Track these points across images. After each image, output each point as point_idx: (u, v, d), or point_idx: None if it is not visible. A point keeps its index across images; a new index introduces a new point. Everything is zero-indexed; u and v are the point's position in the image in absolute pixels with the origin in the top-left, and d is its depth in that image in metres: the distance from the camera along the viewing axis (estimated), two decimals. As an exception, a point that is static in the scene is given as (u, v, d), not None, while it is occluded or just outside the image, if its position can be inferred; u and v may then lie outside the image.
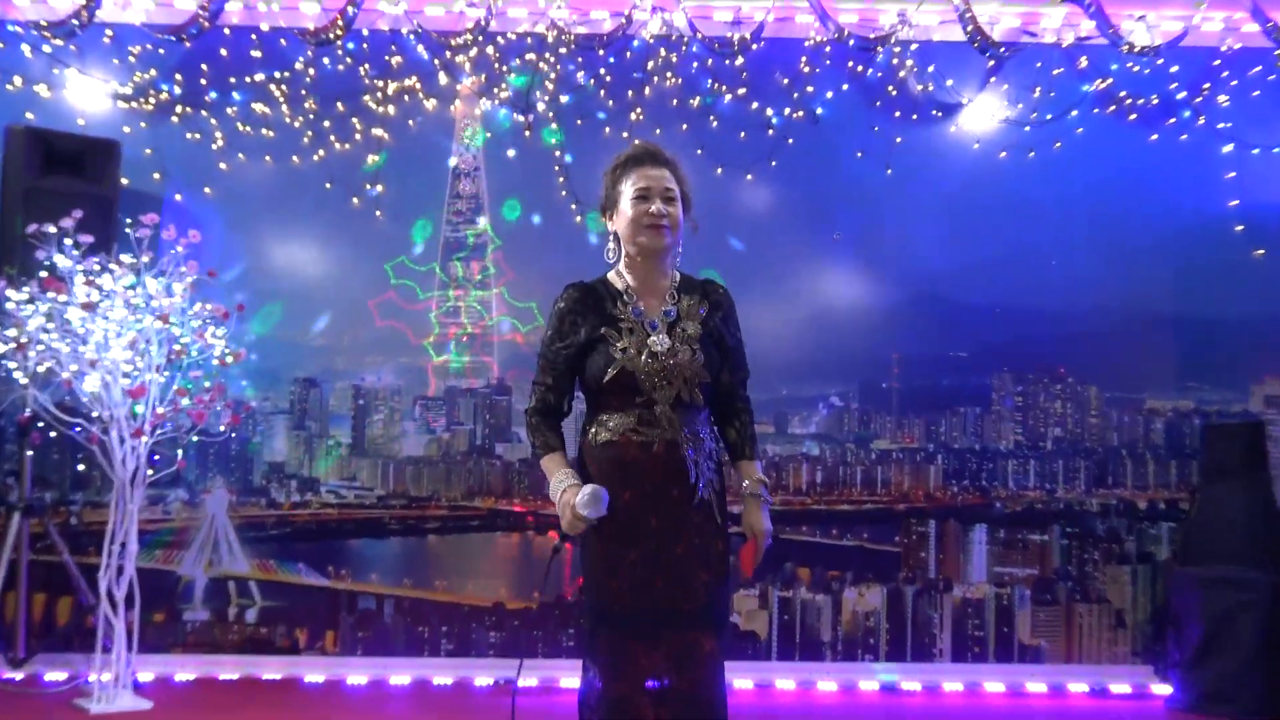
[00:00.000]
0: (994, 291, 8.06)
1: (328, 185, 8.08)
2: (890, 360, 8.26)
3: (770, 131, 8.17)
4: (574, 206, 8.18)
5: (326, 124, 8.05)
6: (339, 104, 8.07)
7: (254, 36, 7.95)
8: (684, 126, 8.12)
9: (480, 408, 8.15)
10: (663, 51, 8.08)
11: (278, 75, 7.95)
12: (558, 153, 8.26)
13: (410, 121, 8.19)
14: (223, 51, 7.96)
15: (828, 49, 8.11)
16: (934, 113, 8.16)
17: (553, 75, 8.10)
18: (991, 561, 8.06)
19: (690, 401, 4.10)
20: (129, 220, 6.73)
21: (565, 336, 4.14)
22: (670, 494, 4.00)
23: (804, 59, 8.12)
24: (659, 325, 4.12)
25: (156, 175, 7.89)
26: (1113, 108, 8.14)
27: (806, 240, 8.26)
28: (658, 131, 8.01)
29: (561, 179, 8.15)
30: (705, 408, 4.18)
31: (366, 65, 8.04)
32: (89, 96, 7.90)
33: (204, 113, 7.98)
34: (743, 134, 8.17)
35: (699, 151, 8.02)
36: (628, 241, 4.21)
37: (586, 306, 4.17)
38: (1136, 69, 8.09)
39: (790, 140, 8.20)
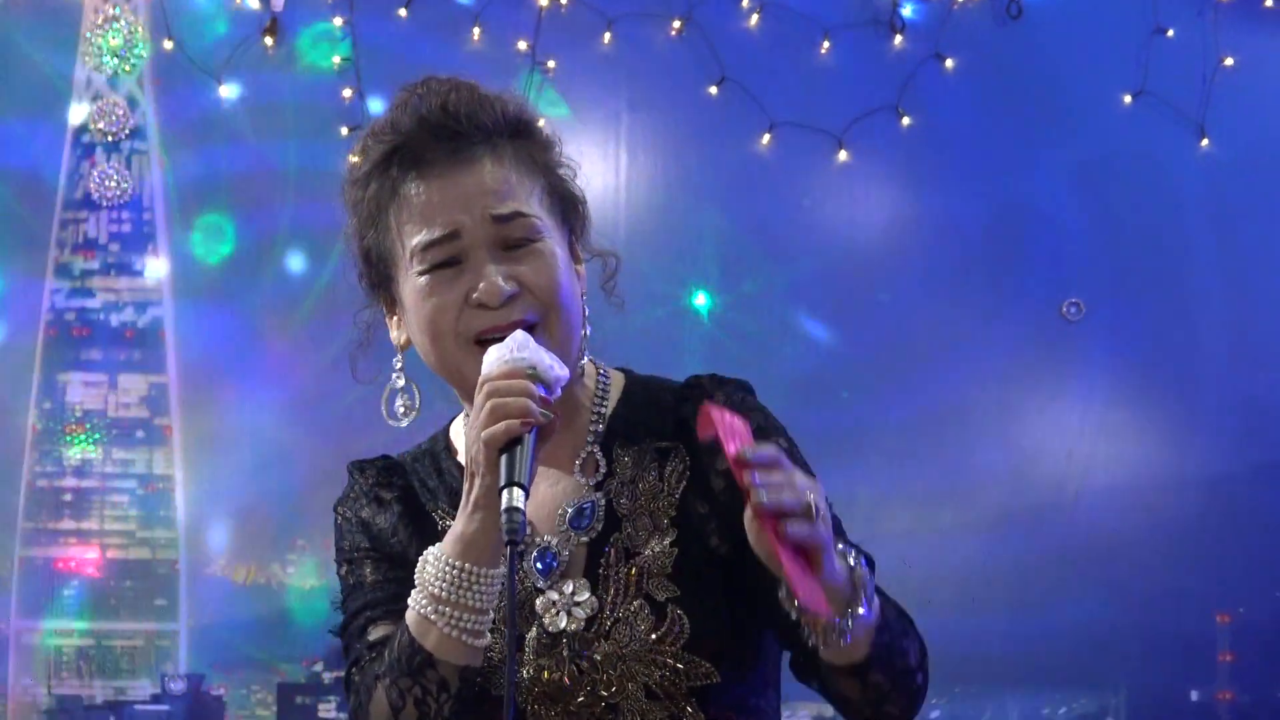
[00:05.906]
0: None
1: None
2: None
3: (899, 37, 5.20)
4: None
5: None
6: None
7: None
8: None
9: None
10: None
11: None
12: (347, 91, 5.26)
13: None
14: None
15: None
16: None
17: None
18: None
19: None
20: None
21: (364, 583, 2.27)
22: None
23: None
24: (557, 561, 2.15)
25: None
26: None
27: (1018, 319, 5.40)
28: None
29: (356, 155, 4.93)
30: None
31: None
32: None
33: None
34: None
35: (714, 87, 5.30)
36: (444, 371, 2.27)
37: (384, 517, 2.26)
38: None
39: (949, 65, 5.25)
